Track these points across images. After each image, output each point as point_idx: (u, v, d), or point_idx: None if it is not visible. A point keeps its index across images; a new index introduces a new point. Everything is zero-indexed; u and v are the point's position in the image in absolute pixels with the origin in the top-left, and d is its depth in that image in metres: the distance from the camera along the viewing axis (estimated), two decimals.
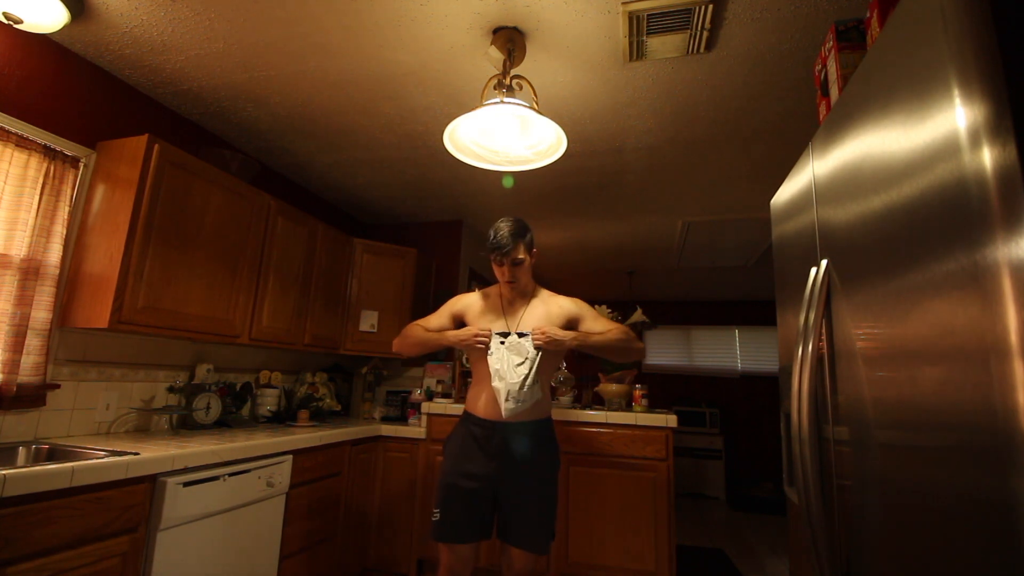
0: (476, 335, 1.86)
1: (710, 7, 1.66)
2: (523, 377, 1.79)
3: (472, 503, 1.83)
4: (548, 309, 1.99)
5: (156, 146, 2.04)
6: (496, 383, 1.81)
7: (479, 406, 1.92)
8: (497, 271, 1.95)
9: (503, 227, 1.89)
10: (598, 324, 1.97)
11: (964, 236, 0.61)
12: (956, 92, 0.63)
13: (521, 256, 1.90)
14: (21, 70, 1.91)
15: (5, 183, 1.83)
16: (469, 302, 2.07)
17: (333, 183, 3.37)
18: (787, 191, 1.33)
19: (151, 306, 2.03)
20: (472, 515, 1.83)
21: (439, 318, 2.06)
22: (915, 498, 0.71)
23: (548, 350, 1.86)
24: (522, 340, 1.84)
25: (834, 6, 1.67)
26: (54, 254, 1.94)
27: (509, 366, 1.80)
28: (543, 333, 1.83)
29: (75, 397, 2.06)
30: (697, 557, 3.65)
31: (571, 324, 1.98)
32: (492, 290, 2.09)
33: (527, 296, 2.02)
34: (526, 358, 1.81)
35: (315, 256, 3.00)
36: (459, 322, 2.05)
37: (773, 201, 1.46)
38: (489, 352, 1.83)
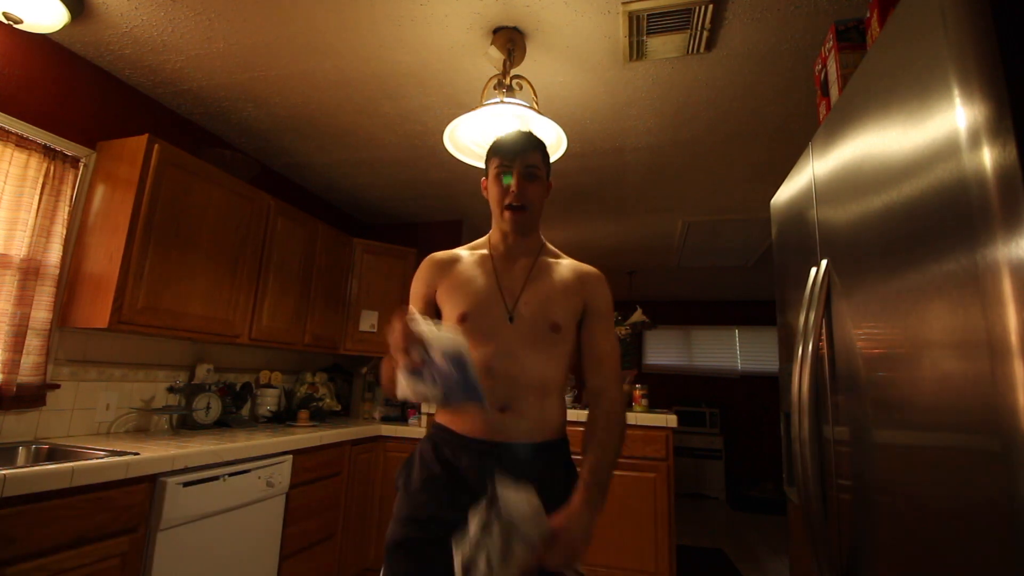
0: (395, 342, 0.99)
1: (710, 7, 1.66)
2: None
3: (440, 566, 1.04)
4: (558, 279, 1.25)
5: (156, 146, 2.05)
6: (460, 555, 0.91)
7: (459, 417, 1.20)
8: (497, 189, 1.23)
9: (514, 131, 1.27)
10: (606, 342, 1.25)
11: (964, 236, 0.61)
12: (956, 92, 0.63)
13: (535, 163, 1.22)
14: (21, 70, 1.91)
15: (5, 183, 1.83)
16: (441, 267, 1.29)
17: (333, 183, 3.37)
18: (787, 191, 1.33)
19: (151, 306, 2.03)
20: None
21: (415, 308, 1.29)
22: (915, 498, 0.71)
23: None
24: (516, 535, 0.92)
25: (834, 6, 1.66)
26: (54, 254, 1.94)
27: (493, 559, 0.89)
28: (564, 554, 1.05)
29: (75, 397, 2.06)
30: (697, 557, 3.65)
31: (582, 311, 1.25)
32: (478, 244, 1.36)
33: (531, 251, 1.29)
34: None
35: (315, 256, 3.00)
36: (431, 301, 1.30)
37: (773, 201, 1.46)
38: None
